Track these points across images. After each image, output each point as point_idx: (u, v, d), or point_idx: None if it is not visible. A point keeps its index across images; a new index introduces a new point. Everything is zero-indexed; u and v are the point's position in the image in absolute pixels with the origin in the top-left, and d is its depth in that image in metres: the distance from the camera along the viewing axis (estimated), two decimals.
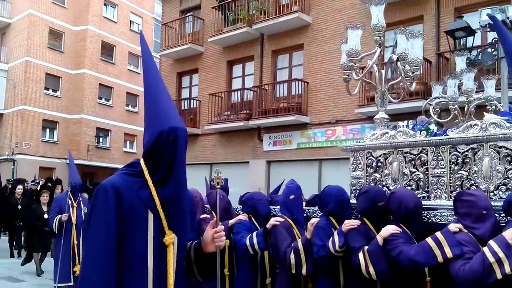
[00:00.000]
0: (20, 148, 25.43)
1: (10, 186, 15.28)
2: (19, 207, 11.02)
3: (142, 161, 2.18)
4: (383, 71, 4.30)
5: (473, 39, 10.66)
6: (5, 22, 27.69)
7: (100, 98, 28.70)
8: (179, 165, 2.11)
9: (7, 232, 12.32)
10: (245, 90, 16.43)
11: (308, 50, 15.02)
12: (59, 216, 7.27)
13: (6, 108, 27.03)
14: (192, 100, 18.47)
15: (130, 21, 30.99)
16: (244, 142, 16.49)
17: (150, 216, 2.10)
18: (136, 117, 30.80)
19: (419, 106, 11.46)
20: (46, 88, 27.00)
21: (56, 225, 7.25)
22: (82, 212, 7.47)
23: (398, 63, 4.24)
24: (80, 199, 7.65)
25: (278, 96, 15.46)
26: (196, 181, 18.61)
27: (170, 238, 2.12)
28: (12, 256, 11.40)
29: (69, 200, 7.45)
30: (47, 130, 27.25)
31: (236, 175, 15.47)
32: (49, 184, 11.82)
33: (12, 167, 25.05)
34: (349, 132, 13.76)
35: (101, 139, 28.40)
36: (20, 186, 11.68)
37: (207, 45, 17.96)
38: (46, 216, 9.06)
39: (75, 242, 7.25)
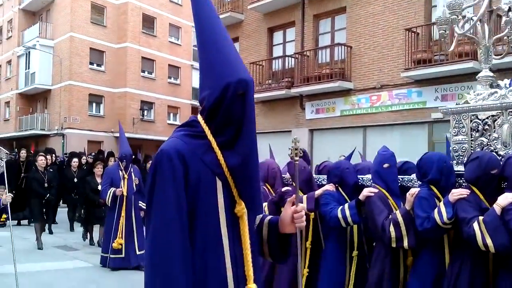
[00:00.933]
0: (68, 123, 26.26)
1: (66, 159, 15.67)
2: (75, 180, 10.97)
3: (200, 119, 1.88)
4: (486, 25, 3.84)
5: None
6: None
7: (143, 71, 29.01)
8: (249, 124, 1.80)
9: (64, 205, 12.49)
10: (286, 58, 16.09)
11: (351, 13, 14.44)
12: (112, 189, 7.26)
13: (53, 83, 27.82)
14: None
15: None
16: (286, 110, 16.27)
17: (219, 184, 1.83)
18: (179, 89, 31.04)
19: (468, 67, 10.85)
20: (91, 63, 27.53)
21: (110, 198, 7.26)
22: (133, 184, 7.51)
23: (510, 13, 3.75)
24: (131, 170, 7.59)
25: (320, 62, 15.04)
26: None
27: (242, 208, 1.85)
28: (72, 229, 11.45)
29: (120, 172, 7.45)
30: (94, 105, 27.94)
31: (279, 144, 15.23)
32: (102, 156, 11.77)
33: (62, 141, 25.96)
34: (395, 97, 13.26)
35: (145, 112, 28.87)
36: (75, 159, 11.55)
37: (247, 13, 17.65)
38: (100, 187, 9.05)
39: (123, 214, 7.29)
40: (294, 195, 1.99)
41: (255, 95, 16.24)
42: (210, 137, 1.84)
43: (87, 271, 7.37)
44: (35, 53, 27.76)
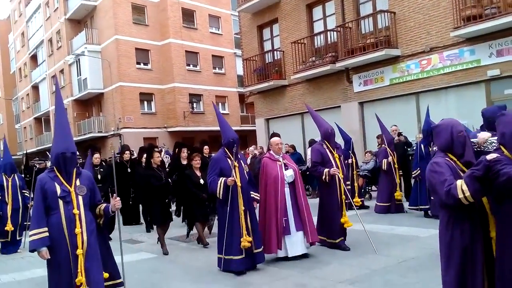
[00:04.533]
0: (123, 123, 27.17)
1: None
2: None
3: None
4: None
5: None
6: (91, 5, 29.16)
7: (188, 64, 29.38)
8: None
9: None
10: (328, 32, 15.76)
11: None
12: (223, 179, 6.18)
13: (105, 87, 28.79)
14: (275, 52, 18.19)
15: None
16: (333, 86, 15.99)
17: None
18: (224, 78, 31.26)
19: None
20: (138, 63, 28.18)
21: (221, 190, 6.18)
22: (245, 171, 6.50)
23: None
24: (239, 157, 6.57)
25: (363, 32, 14.61)
26: (288, 131, 18.31)
27: None
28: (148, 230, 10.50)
29: (229, 160, 6.36)
30: (145, 103, 28.69)
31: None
32: (199, 147, 10.17)
33: (120, 141, 26.88)
34: (446, 59, 12.68)
35: (194, 104, 29.33)
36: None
37: None
38: (202, 181, 8.02)
39: (242, 208, 6.22)
40: None
41: (301, 74, 16.21)
42: None
43: (152, 262, 7.54)
44: (85, 59, 28.78)
